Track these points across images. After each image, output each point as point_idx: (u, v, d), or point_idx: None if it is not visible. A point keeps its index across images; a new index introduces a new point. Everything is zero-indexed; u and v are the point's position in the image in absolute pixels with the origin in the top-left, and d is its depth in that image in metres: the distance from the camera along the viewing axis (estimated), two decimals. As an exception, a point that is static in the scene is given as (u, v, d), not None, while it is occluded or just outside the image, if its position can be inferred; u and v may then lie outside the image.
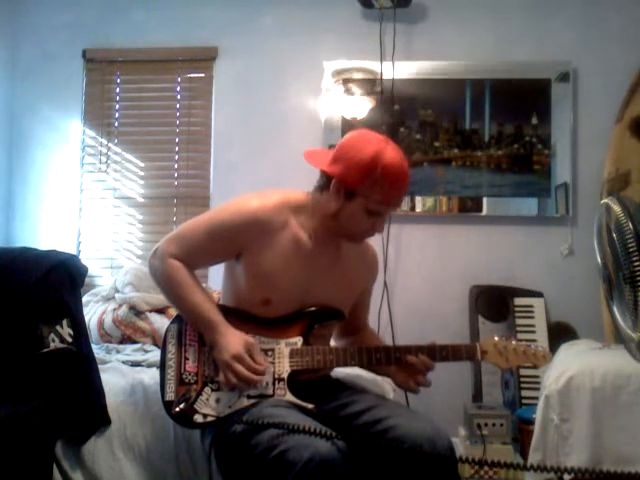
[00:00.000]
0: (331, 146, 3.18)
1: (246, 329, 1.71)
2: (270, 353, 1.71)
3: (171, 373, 1.71)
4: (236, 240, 1.72)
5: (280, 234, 1.72)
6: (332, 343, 1.94)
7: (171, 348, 1.74)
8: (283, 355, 1.72)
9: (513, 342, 1.75)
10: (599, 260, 2.31)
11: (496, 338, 1.75)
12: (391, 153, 1.65)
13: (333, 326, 1.88)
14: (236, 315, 1.74)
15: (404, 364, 1.74)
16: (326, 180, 1.71)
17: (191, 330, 1.75)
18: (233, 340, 1.66)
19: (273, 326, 1.74)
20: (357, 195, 1.67)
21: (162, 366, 1.73)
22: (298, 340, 1.73)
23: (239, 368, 1.62)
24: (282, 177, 3.20)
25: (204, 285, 2.02)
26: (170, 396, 1.68)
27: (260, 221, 1.70)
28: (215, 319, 1.70)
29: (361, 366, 1.80)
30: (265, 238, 1.71)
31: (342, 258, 1.80)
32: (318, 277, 1.76)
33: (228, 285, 1.82)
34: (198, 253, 1.75)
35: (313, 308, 1.77)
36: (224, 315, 1.72)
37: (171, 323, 1.78)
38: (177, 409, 1.65)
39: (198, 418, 1.65)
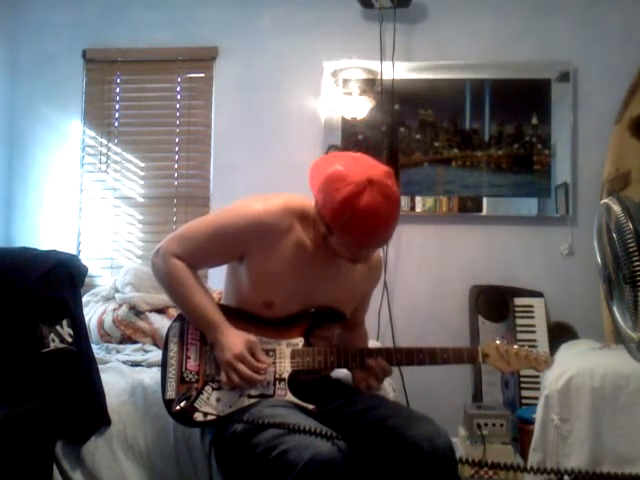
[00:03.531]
0: (331, 146, 3.20)
1: (247, 329, 1.71)
2: (271, 353, 1.72)
3: (172, 372, 1.71)
4: (239, 243, 1.72)
5: (284, 238, 1.72)
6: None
7: (173, 347, 1.74)
8: (284, 355, 1.72)
9: (515, 346, 1.75)
10: (599, 260, 2.31)
11: (498, 342, 1.75)
12: (367, 199, 1.55)
13: (335, 328, 1.88)
14: (238, 315, 1.75)
15: (366, 366, 1.74)
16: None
17: (193, 329, 1.75)
18: (235, 340, 1.66)
19: (274, 327, 1.74)
20: (333, 231, 1.65)
21: (163, 364, 1.73)
22: (299, 341, 1.73)
23: (242, 368, 1.63)
24: (282, 177, 3.20)
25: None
26: (171, 394, 1.68)
27: (264, 225, 1.69)
28: (216, 319, 1.70)
29: (362, 367, 1.79)
30: (268, 242, 1.70)
31: (345, 262, 1.79)
32: (321, 282, 1.76)
33: (230, 286, 1.82)
34: (200, 254, 1.74)
35: (315, 310, 1.77)
36: (226, 315, 1.72)
37: (173, 322, 1.78)
38: (178, 407, 1.65)
39: (198, 417, 1.65)
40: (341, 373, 1.90)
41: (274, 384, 1.68)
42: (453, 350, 1.74)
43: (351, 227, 1.59)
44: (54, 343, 1.73)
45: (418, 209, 3.26)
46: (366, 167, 1.62)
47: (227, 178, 3.38)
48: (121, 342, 2.79)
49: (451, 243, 3.27)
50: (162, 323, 2.76)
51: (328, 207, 1.61)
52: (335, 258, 1.75)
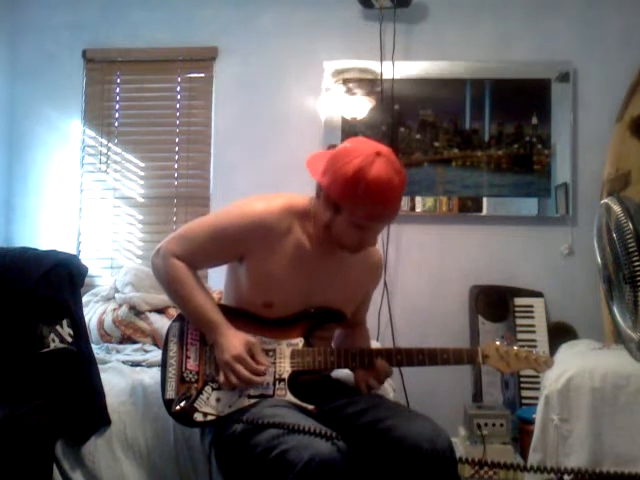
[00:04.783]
0: (331, 146, 3.19)
1: (248, 329, 1.71)
2: (271, 353, 1.71)
3: (172, 371, 1.71)
4: (239, 243, 1.71)
5: (284, 239, 1.72)
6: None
7: (172, 346, 1.74)
8: (284, 355, 1.72)
9: (515, 347, 1.74)
10: (599, 260, 2.31)
11: (498, 342, 1.75)
12: (378, 168, 1.58)
13: (335, 328, 1.88)
14: (238, 315, 1.74)
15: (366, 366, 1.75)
16: (320, 188, 1.70)
17: (193, 329, 1.75)
18: (234, 341, 1.66)
19: (275, 327, 1.74)
20: (342, 209, 1.64)
21: (163, 364, 1.73)
22: (299, 341, 1.73)
23: (240, 369, 1.63)
24: (282, 177, 3.20)
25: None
26: (171, 394, 1.68)
27: (264, 225, 1.69)
28: (216, 320, 1.70)
29: (362, 367, 1.79)
30: (269, 243, 1.70)
31: (345, 263, 1.79)
32: (321, 282, 1.76)
33: (230, 286, 1.82)
34: (200, 254, 1.74)
35: (315, 310, 1.76)
36: (226, 315, 1.72)
37: (173, 322, 1.78)
38: (177, 407, 1.65)
39: (198, 417, 1.65)
40: (341, 373, 1.90)
41: (274, 384, 1.68)
42: (453, 351, 1.74)
43: (364, 198, 1.59)
44: (54, 343, 1.73)
45: (418, 209, 3.26)
46: (371, 144, 1.66)
47: (227, 178, 3.38)
48: (121, 342, 2.79)
49: (451, 243, 3.27)
50: (162, 323, 2.76)
51: (338, 182, 1.61)
52: (335, 257, 1.76)
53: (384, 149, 1.64)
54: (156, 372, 2.00)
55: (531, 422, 2.29)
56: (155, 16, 3.47)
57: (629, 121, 3.03)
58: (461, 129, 3.26)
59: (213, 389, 1.68)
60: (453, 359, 1.73)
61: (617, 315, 2.21)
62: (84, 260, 2.38)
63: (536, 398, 2.35)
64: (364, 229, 1.66)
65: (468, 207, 3.24)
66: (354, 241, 1.70)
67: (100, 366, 1.95)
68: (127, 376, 2.09)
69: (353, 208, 1.62)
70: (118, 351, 2.65)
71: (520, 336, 3.06)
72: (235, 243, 1.72)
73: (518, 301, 3.14)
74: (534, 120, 3.22)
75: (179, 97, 3.50)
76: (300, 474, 1.39)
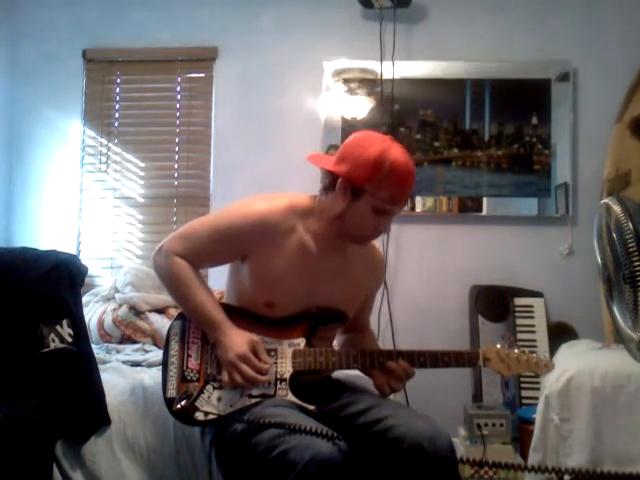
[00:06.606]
0: (331, 146, 3.20)
1: (249, 328, 1.71)
2: (273, 353, 1.71)
3: (173, 370, 1.71)
4: (241, 243, 1.72)
5: (286, 239, 1.72)
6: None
7: (174, 345, 1.74)
8: (286, 355, 1.71)
9: (516, 350, 1.74)
10: (599, 260, 2.32)
11: (499, 345, 1.75)
12: (397, 151, 1.66)
13: (337, 328, 1.88)
14: (240, 314, 1.74)
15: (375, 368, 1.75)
16: (331, 180, 1.70)
17: (194, 328, 1.75)
18: (238, 340, 1.66)
19: (276, 326, 1.74)
20: (364, 193, 1.66)
21: (164, 363, 1.73)
22: (301, 341, 1.73)
23: (244, 368, 1.63)
24: (282, 177, 3.20)
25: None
26: (172, 393, 1.68)
27: (266, 225, 1.69)
28: (219, 319, 1.70)
29: (363, 368, 1.80)
30: (271, 242, 1.70)
31: (348, 263, 1.80)
32: (323, 282, 1.75)
33: (232, 285, 1.82)
34: (202, 254, 1.74)
35: (317, 310, 1.76)
36: (228, 314, 1.72)
37: (174, 320, 1.78)
38: (178, 406, 1.65)
39: (199, 416, 1.65)
40: (342, 373, 1.89)
41: (275, 384, 1.68)
42: (454, 353, 1.73)
43: (388, 178, 1.63)
44: (54, 343, 1.73)
45: (418, 209, 3.26)
46: (380, 134, 1.74)
47: (227, 178, 3.38)
48: (121, 342, 2.79)
49: (451, 243, 3.27)
50: (162, 323, 2.77)
51: (361, 166, 1.65)
52: (339, 256, 1.76)
53: (394, 139, 1.71)
54: (156, 372, 2.00)
55: (531, 422, 2.29)
56: (155, 16, 3.47)
57: (629, 121, 3.03)
58: (461, 129, 3.26)
59: (214, 388, 1.68)
60: (454, 362, 1.73)
61: (617, 315, 2.21)
62: (84, 260, 2.38)
63: (536, 398, 2.35)
64: (381, 214, 1.69)
65: (468, 207, 3.24)
66: (369, 228, 1.71)
67: (100, 366, 1.95)
68: (127, 376, 2.09)
69: (377, 190, 1.65)
70: (118, 351, 2.65)
71: (520, 336, 3.06)
72: (237, 243, 1.72)
73: (518, 301, 3.14)
74: (534, 120, 3.22)
75: (179, 97, 3.50)
76: (301, 474, 1.39)
